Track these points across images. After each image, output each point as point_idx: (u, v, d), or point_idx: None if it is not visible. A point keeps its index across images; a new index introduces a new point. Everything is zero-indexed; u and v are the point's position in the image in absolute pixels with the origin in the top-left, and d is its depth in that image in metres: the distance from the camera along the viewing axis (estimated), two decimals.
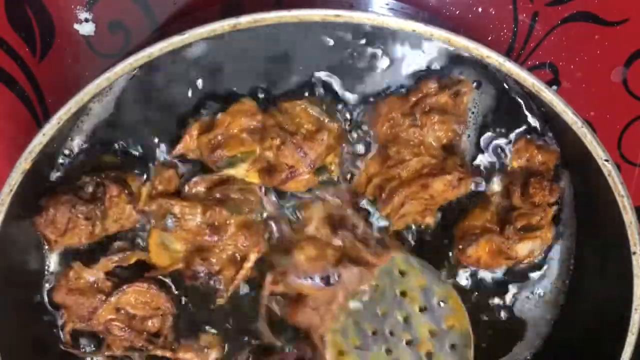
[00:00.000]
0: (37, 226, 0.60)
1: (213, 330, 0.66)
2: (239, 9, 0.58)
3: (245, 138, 0.60)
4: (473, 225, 0.64)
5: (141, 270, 0.64)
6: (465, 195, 0.64)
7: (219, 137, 0.60)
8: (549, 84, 0.67)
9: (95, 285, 0.63)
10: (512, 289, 0.68)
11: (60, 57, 0.66)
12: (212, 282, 0.63)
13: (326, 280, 0.62)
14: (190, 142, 0.61)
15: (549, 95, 0.55)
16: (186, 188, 0.62)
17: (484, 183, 0.64)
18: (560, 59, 0.68)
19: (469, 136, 0.63)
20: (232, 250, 0.63)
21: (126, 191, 0.61)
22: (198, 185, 0.62)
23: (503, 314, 0.68)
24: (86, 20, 0.65)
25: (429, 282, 0.62)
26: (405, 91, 0.61)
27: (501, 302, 0.68)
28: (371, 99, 0.62)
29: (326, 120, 0.61)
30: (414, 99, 0.61)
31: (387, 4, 0.62)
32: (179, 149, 0.61)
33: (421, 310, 0.62)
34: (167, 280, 0.65)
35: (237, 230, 0.62)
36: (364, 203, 0.64)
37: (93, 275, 0.63)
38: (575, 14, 0.67)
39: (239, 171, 0.61)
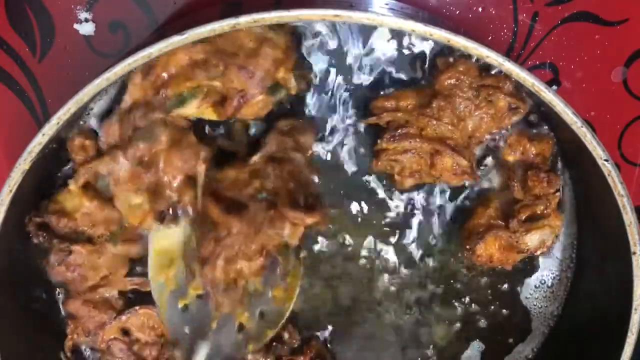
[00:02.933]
0: (72, 290, 0.63)
1: None
2: (239, 9, 0.58)
3: (189, 72, 0.57)
4: (477, 223, 0.64)
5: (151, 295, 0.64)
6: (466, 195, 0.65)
7: (162, 77, 0.57)
8: (549, 84, 0.67)
9: (108, 302, 0.63)
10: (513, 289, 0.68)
11: (60, 57, 0.66)
12: (178, 213, 0.60)
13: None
14: (135, 92, 0.58)
15: (549, 95, 0.55)
16: (101, 144, 0.60)
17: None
18: (560, 59, 0.68)
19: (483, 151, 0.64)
20: (179, 176, 0.59)
21: (53, 206, 0.61)
22: (109, 135, 0.59)
23: (505, 312, 0.68)
24: (86, 20, 0.65)
25: (289, 250, 0.62)
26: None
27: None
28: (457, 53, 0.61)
29: (269, 34, 0.57)
30: (490, 82, 0.60)
31: (386, 4, 0.62)
32: (127, 101, 0.58)
33: (264, 267, 0.62)
34: None
35: (169, 154, 0.59)
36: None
37: (109, 291, 0.63)
38: (575, 14, 0.67)
39: (191, 109, 0.58)
